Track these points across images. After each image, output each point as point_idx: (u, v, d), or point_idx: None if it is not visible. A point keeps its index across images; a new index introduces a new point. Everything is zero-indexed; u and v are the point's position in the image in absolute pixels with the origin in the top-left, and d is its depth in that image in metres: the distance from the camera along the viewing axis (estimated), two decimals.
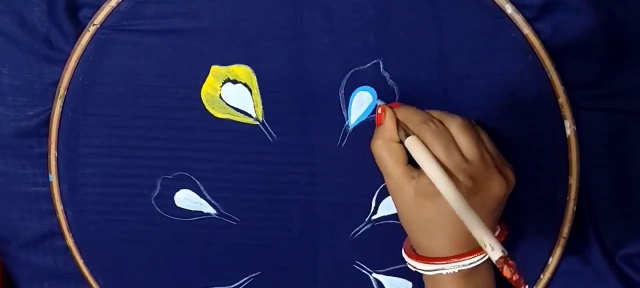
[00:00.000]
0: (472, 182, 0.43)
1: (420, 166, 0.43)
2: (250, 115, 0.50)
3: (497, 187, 0.44)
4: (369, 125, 0.50)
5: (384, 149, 0.45)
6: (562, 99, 0.50)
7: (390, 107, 0.47)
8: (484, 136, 0.46)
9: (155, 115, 0.50)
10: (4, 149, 0.51)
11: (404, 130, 0.45)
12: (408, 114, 0.46)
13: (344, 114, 0.50)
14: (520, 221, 0.52)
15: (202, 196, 0.52)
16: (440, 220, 0.44)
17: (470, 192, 0.43)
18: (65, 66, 0.50)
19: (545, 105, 0.50)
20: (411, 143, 0.44)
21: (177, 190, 0.52)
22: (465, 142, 0.44)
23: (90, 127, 0.51)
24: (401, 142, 0.45)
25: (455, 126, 0.45)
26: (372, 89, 0.50)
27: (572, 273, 0.54)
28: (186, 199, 0.52)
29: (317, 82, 0.50)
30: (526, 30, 0.49)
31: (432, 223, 0.44)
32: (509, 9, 0.49)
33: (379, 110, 0.47)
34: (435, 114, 0.46)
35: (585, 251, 0.53)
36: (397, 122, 0.46)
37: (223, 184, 0.52)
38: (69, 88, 0.50)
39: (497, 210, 0.45)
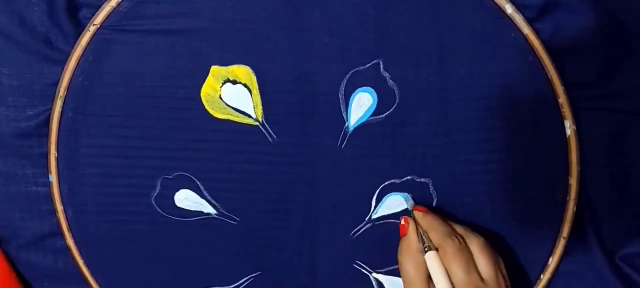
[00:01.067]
0: None
1: (435, 284, 0.45)
2: (250, 116, 0.50)
3: None
4: (368, 127, 0.50)
5: (409, 261, 0.47)
6: (562, 99, 0.50)
7: (417, 210, 0.49)
8: (499, 259, 0.48)
9: (155, 115, 0.50)
10: (4, 149, 0.51)
11: (423, 239, 0.47)
12: (433, 224, 0.48)
13: (344, 115, 0.50)
14: (520, 221, 0.52)
15: (202, 196, 0.52)
16: None
17: None
18: (65, 66, 0.50)
19: (545, 105, 0.50)
20: (431, 260, 0.46)
21: (177, 190, 0.52)
22: (483, 262, 0.46)
23: (90, 127, 0.51)
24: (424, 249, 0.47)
25: (476, 245, 0.47)
26: (372, 89, 0.50)
27: (572, 273, 0.54)
28: (186, 199, 0.52)
29: (317, 83, 0.50)
30: (526, 30, 0.49)
31: None
32: (509, 9, 0.49)
33: (402, 221, 0.49)
34: (459, 229, 0.48)
35: (585, 251, 0.53)
36: (419, 229, 0.48)
37: (223, 184, 0.52)
38: (69, 88, 0.50)
39: None
